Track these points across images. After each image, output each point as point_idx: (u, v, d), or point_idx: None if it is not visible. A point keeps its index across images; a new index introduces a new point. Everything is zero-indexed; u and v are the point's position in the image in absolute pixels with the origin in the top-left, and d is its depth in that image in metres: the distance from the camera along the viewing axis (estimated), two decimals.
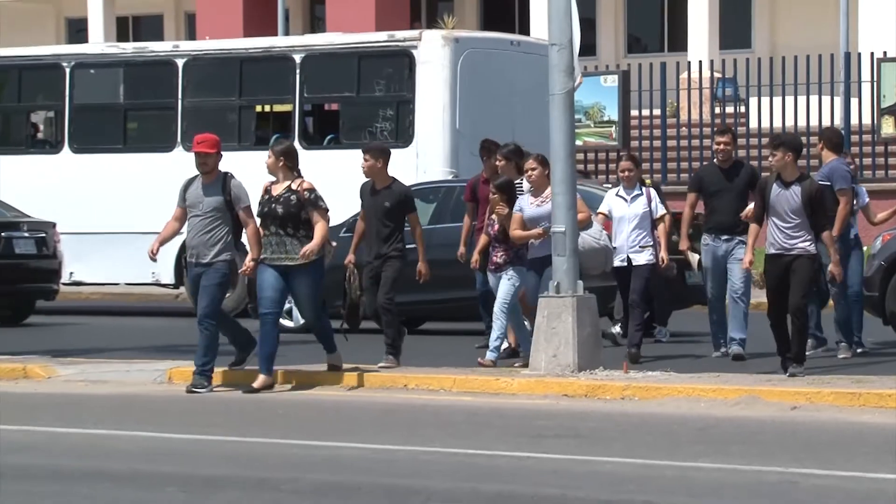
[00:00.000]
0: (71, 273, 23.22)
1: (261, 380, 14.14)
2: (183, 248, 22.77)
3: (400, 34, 23.79)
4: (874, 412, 12.70)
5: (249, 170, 22.92)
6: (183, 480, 10.08)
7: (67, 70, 24.35)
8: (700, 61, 31.47)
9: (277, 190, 14.09)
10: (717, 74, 30.63)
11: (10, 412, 13.08)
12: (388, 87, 22.94)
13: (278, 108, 23.69)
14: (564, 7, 14.53)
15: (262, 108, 24.00)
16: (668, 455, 10.84)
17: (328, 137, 23.04)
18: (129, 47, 26.64)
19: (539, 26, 30.74)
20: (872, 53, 28.14)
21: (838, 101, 28.40)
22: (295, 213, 13.93)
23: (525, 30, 33.55)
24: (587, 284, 14.51)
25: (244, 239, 14.42)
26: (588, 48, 31.47)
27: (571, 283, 14.34)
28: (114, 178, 23.61)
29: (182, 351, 16.76)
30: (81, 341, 18.69)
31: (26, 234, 21.97)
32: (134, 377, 15.24)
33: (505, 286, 14.88)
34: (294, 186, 14.00)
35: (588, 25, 29.13)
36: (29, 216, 22.33)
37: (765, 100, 28.67)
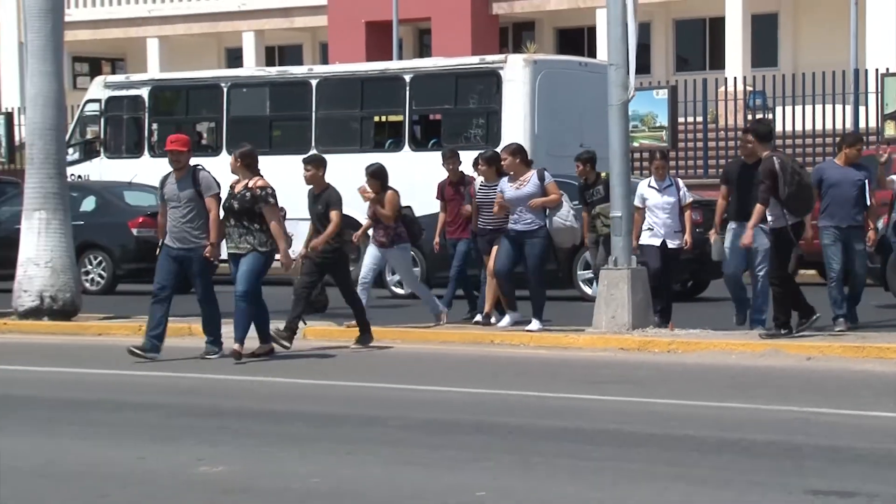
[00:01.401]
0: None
1: (237, 346, 13.08)
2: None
3: (490, 58, 23.83)
4: (875, 362, 12.57)
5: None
6: (307, 418, 10.17)
7: (225, 89, 24.57)
8: (735, 77, 31.30)
9: (237, 188, 13.15)
10: (749, 88, 30.48)
11: (182, 363, 13.31)
12: (480, 100, 22.98)
13: (392, 118, 23.76)
14: (620, 35, 14.51)
15: (379, 118, 24.07)
16: (704, 397, 10.81)
17: (432, 141, 23.09)
18: (273, 71, 26.81)
19: (602, 50, 30.60)
20: (877, 69, 27.92)
21: (849, 108, 28.21)
22: (249, 207, 12.92)
23: (592, 53, 33.44)
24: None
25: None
26: (643, 67, 31.24)
27: (626, 259, 14.31)
28: (262, 174, 23.78)
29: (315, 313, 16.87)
30: (230, 306, 18.82)
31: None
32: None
33: (366, 261, 14.57)
34: (250, 185, 13.04)
35: (644, 49, 28.91)
36: None
37: (788, 108, 28.50)
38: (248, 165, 13.20)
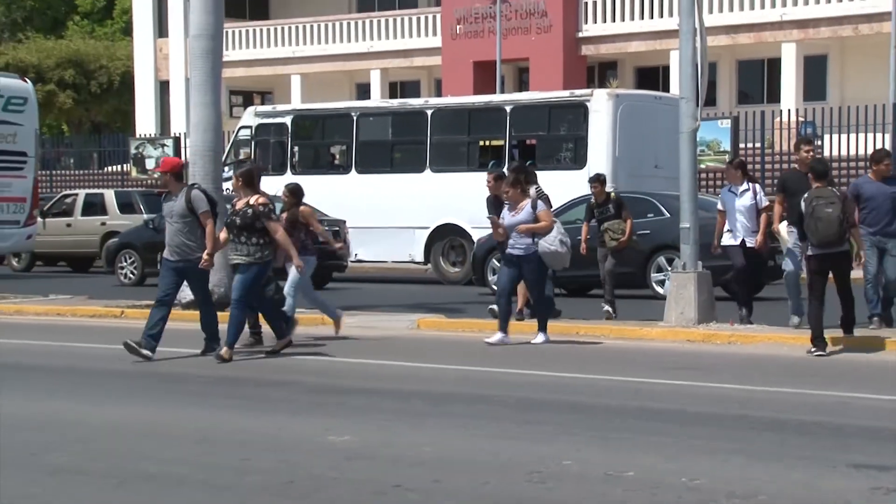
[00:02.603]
0: (356, 254, 23.57)
1: (225, 351, 12.04)
2: (434, 235, 23.10)
3: (578, 92, 23.74)
4: None
5: (475, 184, 23.16)
6: (422, 396, 10.09)
7: (355, 118, 24.69)
8: (789, 109, 30.87)
9: (239, 205, 12.18)
10: (801, 119, 30.02)
11: (323, 347, 13.30)
12: (569, 127, 22.91)
13: (494, 142, 23.75)
14: (690, 73, 14.37)
15: (483, 142, 24.07)
16: (760, 383, 10.62)
17: (528, 162, 22.95)
18: (395, 102, 26.90)
19: (675, 86, 30.36)
20: None
21: (888, 136, 27.69)
22: (250, 223, 11.97)
23: (666, 88, 33.14)
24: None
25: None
26: (710, 101, 30.99)
27: (693, 263, 14.16)
28: (384, 190, 23.90)
29: (427, 308, 16.88)
30: (361, 300, 18.93)
31: (326, 228, 22.22)
32: (394, 325, 15.29)
33: (292, 273, 13.38)
34: (251, 202, 12.06)
35: (711, 85, 28.59)
36: (328, 215, 22.66)
37: (835, 136, 28.06)
38: (248, 184, 12.18)
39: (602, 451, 7.82)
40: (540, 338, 13.47)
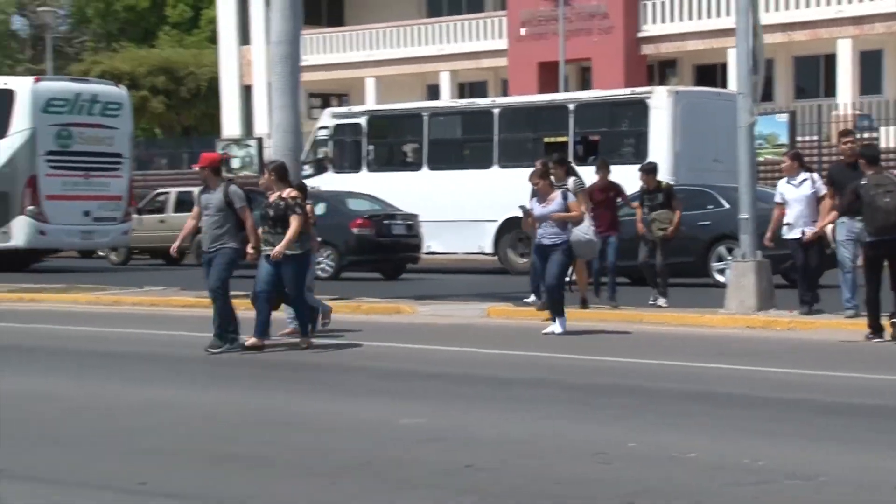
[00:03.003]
0: (428, 246, 23.56)
1: (252, 341, 11.71)
2: (502, 227, 23.02)
3: (639, 89, 23.56)
4: None
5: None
6: (492, 380, 10.05)
7: (426, 117, 24.67)
8: (845, 103, 30.35)
9: (272, 198, 11.83)
10: (857, 112, 29.50)
11: (387, 334, 13.26)
12: (631, 123, 22.73)
13: (558, 138, 23.61)
14: (747, 69, 14.17)
15: (548, 139, 23.92)
16: (819, 367, 10.47)
17: (591, 157, 22.85)
18: (463, 102, 26.88)
19: (733, 82, 30.01)
20: None
21: None
22: (283, 215, 11.65)
23: (724, 85, 32.74)
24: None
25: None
26: (767, 96, 30.63)
27: (752, 252, 13.97)
28: (454, 185, 23.84)
29: (497, 296, 16.81)
30: (434, 289, 18.92)
31: (399, 222, 22.35)
32: (466, 313, 15.21)
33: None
34: (283, 195, 11.76)
35: (768, 81, 28.19)
36: (401, 210, 22.73)
37: (891, 128, 27.54)
38: (281, 178, 11.90)
39: (665, 434, 7.70)
40: (556, 326, 12.91)
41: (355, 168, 25.24)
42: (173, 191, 29.02)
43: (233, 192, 11.76)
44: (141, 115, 44.75)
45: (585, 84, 37.33)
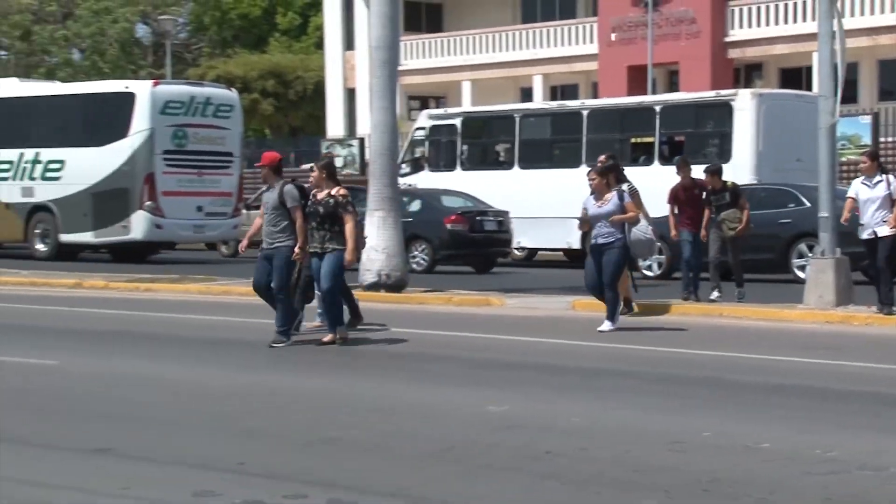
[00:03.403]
0: (518, 241, 23.51)
1: (341, 333, 11.42)
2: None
3: (724, 92, 23.26)
4: None
5: (628, 177, 22.63)
6: (575, 371, 9.97)
7: (518, 119, 24.63)
8: None
9: (320, 195, 11.38)
10: None
11: (477, 325, 13.31)
12: (715, 125, 22.42)
13: (645, 139, 23.37)
14: (829, 73, 13.88)
15: (635, 139, 23.70)
16: (893, 361, 10.19)
17: (676, 157, 22.54)
18: (554, 104, 26.76)
19: (817, 85, 29.45)
20: None
21: None
22: (332, 212, 11.24)
23: (809, 88, 32.08)
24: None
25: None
26: (850, 98, 29.95)
27: (831, 250, 13.69)
28: (544, 183, 23.74)
29: (582, 290, 16.56)
30: (523, 283, 18.87)
31: (491, 218, 22.33)
32: (552, 305, 15.14)
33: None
34: (333, 193, 11.33)
35: (851, 83, 27.65)
36: (492, 207, 22.70)
37: None
38: (330, 176, 11.50)
39: (740, 424, 7.58)
40: (606, 325, 12.53)
41: (450, 167, 25.26)
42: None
43: (286, 192, 11.45)
44: (251, 117, 45.35)
45: (673, 87, 36.88)
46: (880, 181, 13.35)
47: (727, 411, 8.01)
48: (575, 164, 23.52)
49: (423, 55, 41.64)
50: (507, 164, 24.90)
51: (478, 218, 21.98)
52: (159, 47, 49.45)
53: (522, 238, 23.48)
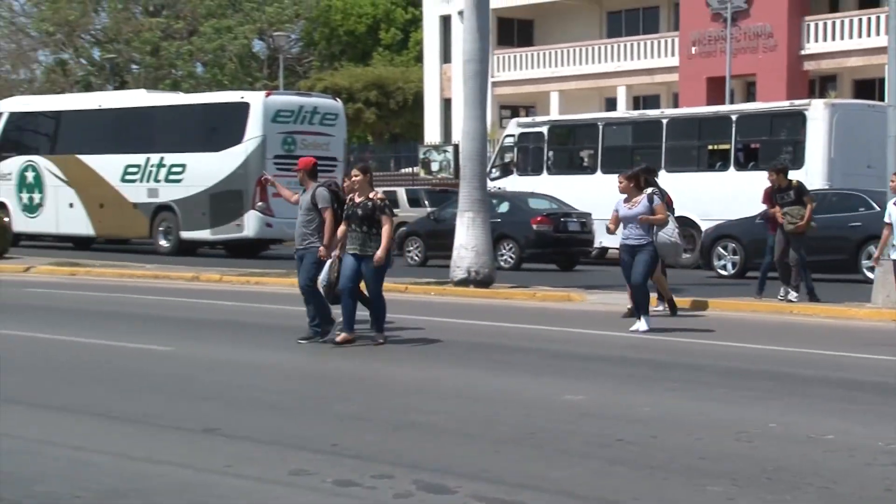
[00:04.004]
0: (600, 241, 23.28)
1: (342, 336, 10.91)
2: None
3: (797, 102, 22.76)
4: None
5: (705, 183, 22.53)
6: (647, 363, 9.80)
7: (601, 127, 24.41)
8: None
9: (359, 199, 10.93)
10: None
11: (557, 319, 13.12)
12: (789, 133, 21.95)
13: (721, 146, 22.97)
14: None
15: (712, 146, 23.29)
16: None
17: (751, 164, 22.18)
18: (635, 113, 26.44)
19: (888, 95, 28.63)
20: None
21: None
22: (370, 214, 10.80)
23: (882, 99, 31.20)
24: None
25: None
26: None
27: None
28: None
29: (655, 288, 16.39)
30: (603, 280, 18.64)
31: (574, 219, 22.14)
32: (629, 301, 14.87)
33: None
34: (371, 196, 10.91)
35: None
36: (576, 209, 22.51)
37: None
38: (370, 182, 11.10)
39: (804, 416, 7.39)
40: (642, 324, 11.90)
41: (537, 171, 25.12)
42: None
43: (318, 194, 11.12)
44: (356, 125, 45.76)
45: (750, 97, 36.23)
46: None
47: (792, 403, 7.81)
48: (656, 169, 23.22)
49: (514, 68, 41.56)
50: (590, 169, 24.69)
51: (562, 219, 21.85)
52: (273, 61, 50.10)
53: (602, 237, 23.23)
